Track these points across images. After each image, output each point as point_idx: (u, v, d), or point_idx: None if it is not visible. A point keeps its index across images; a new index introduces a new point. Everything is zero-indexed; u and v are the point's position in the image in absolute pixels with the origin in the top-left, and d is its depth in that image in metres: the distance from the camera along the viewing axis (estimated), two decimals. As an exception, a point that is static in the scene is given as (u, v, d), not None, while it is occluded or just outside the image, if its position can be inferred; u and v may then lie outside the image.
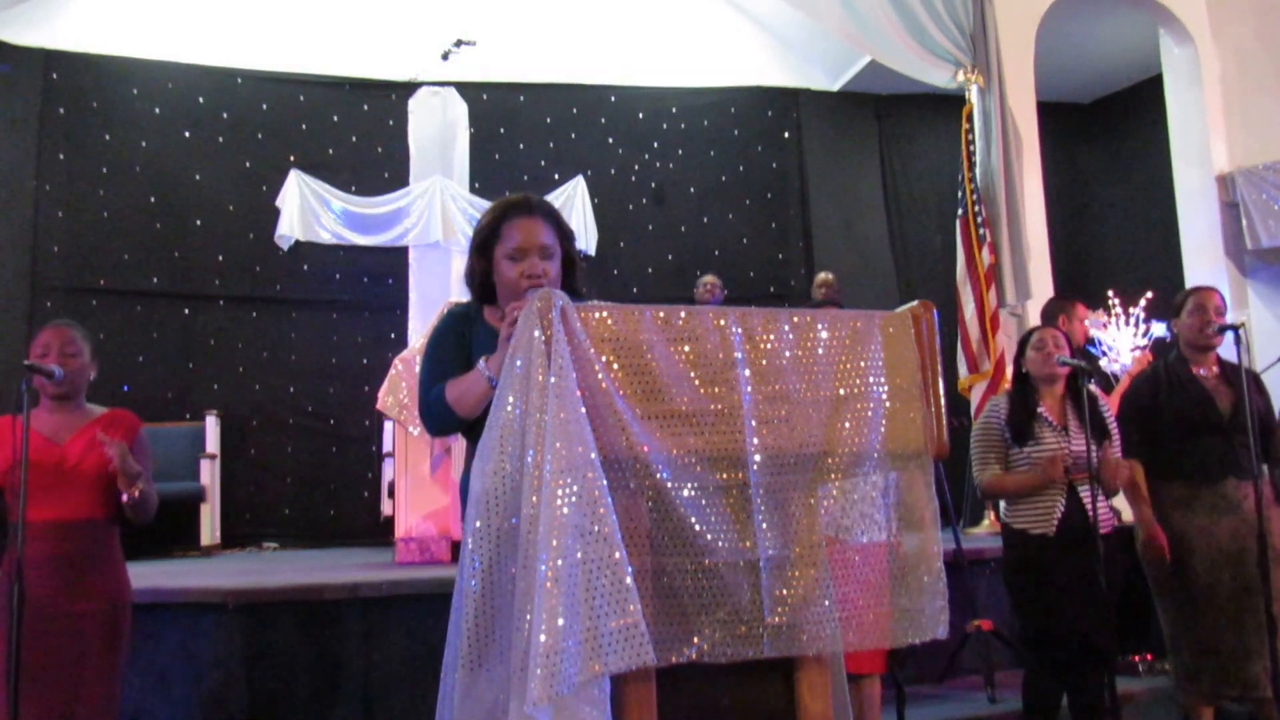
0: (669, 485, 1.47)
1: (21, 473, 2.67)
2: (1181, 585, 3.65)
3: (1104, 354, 6.25)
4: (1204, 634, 3.59)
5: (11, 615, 2.61)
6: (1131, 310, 6.36)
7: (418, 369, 5.15)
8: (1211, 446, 3.63)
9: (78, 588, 2.83)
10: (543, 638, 1.29)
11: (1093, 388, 3.56)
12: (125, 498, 2.83)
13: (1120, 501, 3.86)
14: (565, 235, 2.32)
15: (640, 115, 8.23)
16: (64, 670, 2.79)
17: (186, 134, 7.45)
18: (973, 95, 6.74)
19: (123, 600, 2.98)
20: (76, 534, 2.84)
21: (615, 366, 1.46)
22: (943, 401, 1.72)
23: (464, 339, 2.29)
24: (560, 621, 1.30)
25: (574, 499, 1.34)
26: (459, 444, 4.86)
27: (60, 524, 2.80)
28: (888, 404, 1.64)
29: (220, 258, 7.44)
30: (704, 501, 1.49)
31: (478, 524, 1.43)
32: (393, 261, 7.55)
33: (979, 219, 6.56)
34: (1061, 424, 3.55)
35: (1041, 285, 6.72)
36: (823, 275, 6.95)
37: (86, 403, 3.08)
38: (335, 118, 7.77)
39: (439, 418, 2.19)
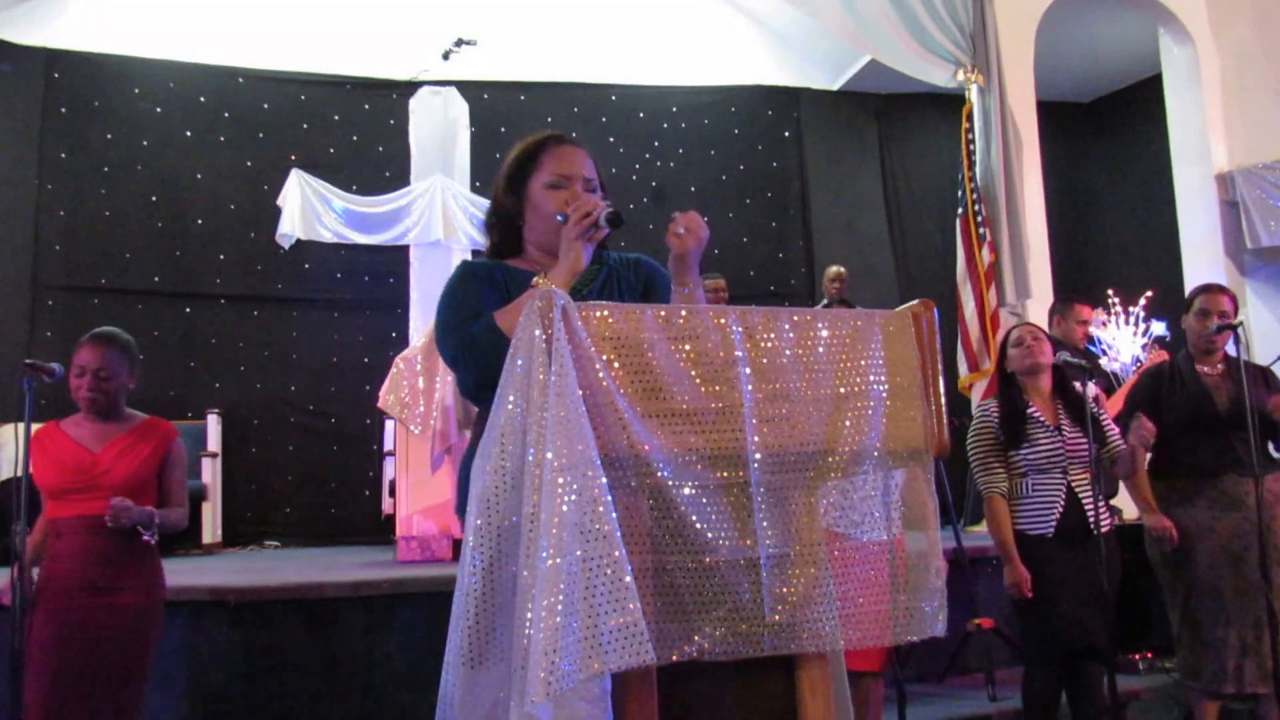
0: (669, 483, 1.48)
1: (23, 475, 2.77)
2: (1184, 582, 3.66)
3: (1104, 353, 6.25)
4: (1206, 630, 3.60)
5: (15, 614, 2.66)
6: (1131, 309, 6.37)
7: (418, 366, 5.19)
8: (1210, 442, 3.64)
9: (109, 581, 2.94)
10: (543, 636, 1.30)
11: (1092, 387, 3.56)
12: (146, 537, 2.98)
13: (1120, 500, 3.87)
14: (604, 185, 2.08)
15: (640, 115, 8.23)
16: (93, 662, 2.88)
17: (188, 133, 7.46)
18: (973, 94, 6.74)
19: (155, 595, 3.09)
20: (106, 528, 2.91)
21: (616, 365, 1.46)
22: (943, 400, 1.72)
23: (496, 282, 1.97)
24: (560, 619, 1.31)
25: (574, 497, 1.35)
26: (461, 443, 4.87)
27: (90, 518, 2.90)
28: (888, 402, 1.64)
29: (221, 257, 7.45)
30: (704, 500, 1.50)
31: (478, 522, 1.44)
32: (394, 260, 7.56)
33: (979, 218, 6.56)
34: (1055, 424, 3.55)
35: (1041, 284, 6.73)
36: (835, 269, 6.92)
37: (128, 409, 3.17)
38: (336, 117, 7.78)
39: (487, 352, 1.77)
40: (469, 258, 5.58)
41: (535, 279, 1.86)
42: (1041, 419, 3.55)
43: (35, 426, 3.01)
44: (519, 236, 2.07)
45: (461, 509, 1.91)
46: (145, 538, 2.95)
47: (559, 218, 1.93)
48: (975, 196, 6.61)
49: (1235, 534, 3.57)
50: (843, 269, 6.91)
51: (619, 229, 1.88)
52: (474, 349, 1.83)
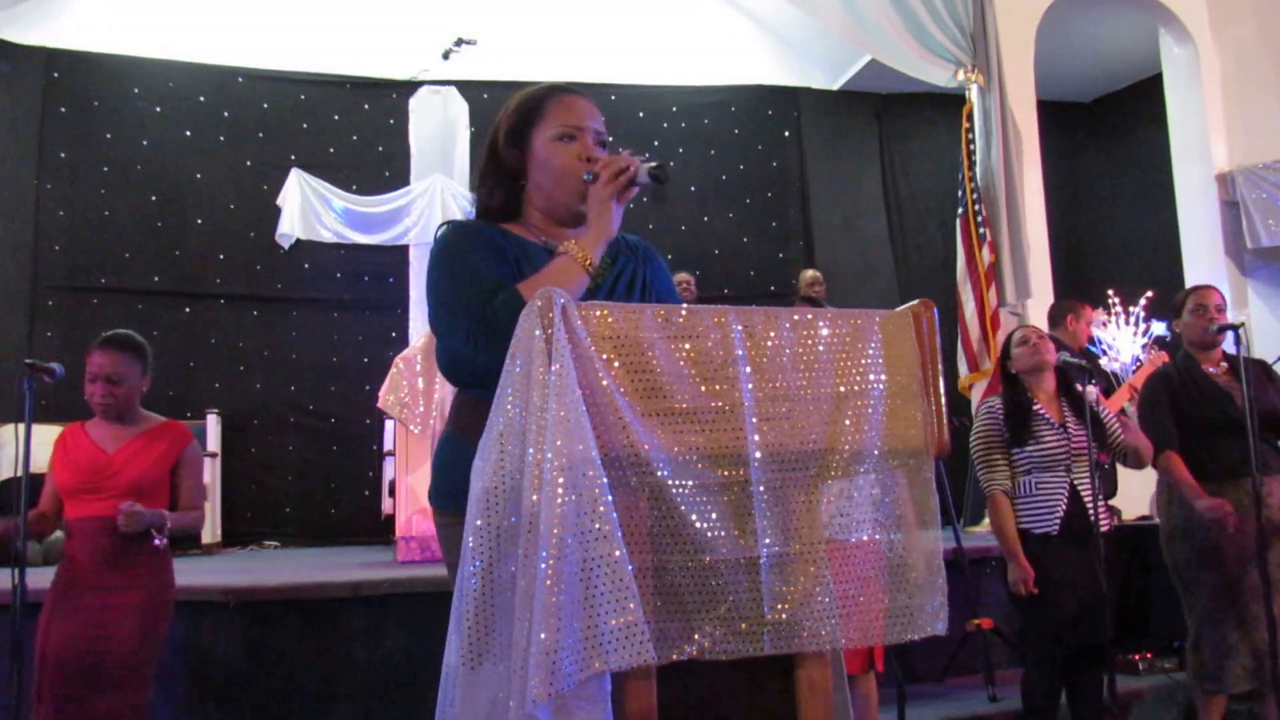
0: (669, 483, 1.47)
1: (23, 475, 2.78)
2: (1206, 583, 3.65)
3: (1104, 353, 6.25)
4: (1228, 630, 3.59)
5: (16, 614, 2.67)
6: (1131, 309, 6.37)
7: (418, 366, 5.19)
8: (1232, 445, 3.61)
9: (120, 581, 2.96)
10: (543, 636, 1.30)
11: (1092, 389, 3.56)
12: (157, 541, 2.98)
13: (1119, 501, 3.86)
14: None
15: (640, 115, 8.22)
16: (102, 660, 2.90)
17: (187, 133, 7.46)
18: (973, 94, 6.74)
19: (164, 594, 3.10)
20: (117, 529, 2.92)
21: (616, 364, 1.46)
22: (943, 400, 1.72)
23: (502, 252, 1.74)
24: (560, 619, 1.31)
25: (574, 497, 1.35)
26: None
27: (101, 519, 2.93)
28: (888, 401, 1.64)
29: (221, 256, 7.45)
30: (704, 499, 1.49)
31: (478, 522, 1.44)
32: (393, 260, 7.56)
33: (979, 218, 6.56)
34: (1060, 421, 3.55)
35: (1041, 284, 6.73)
36: (812, 273, 6.87)
37: (144, 411, 3.19)
38: (336, 117, 7.78)
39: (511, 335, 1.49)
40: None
41: (563, 245, 1.69)
42: (1047, 415, 3.55)
43: (46, 428, 3.02)
44: (518, 198, 1.87)
45: (436, 496, 1.84)
46: (156, 541, 2.96)
47: (586, 175, 1.75)
48: (975, 196, 6.61)
49: (1255, 534, 3.56)
50: (819, 273, 6.86)
51: (663, 186, 1.69)
52: (495, 329, 1.58)
